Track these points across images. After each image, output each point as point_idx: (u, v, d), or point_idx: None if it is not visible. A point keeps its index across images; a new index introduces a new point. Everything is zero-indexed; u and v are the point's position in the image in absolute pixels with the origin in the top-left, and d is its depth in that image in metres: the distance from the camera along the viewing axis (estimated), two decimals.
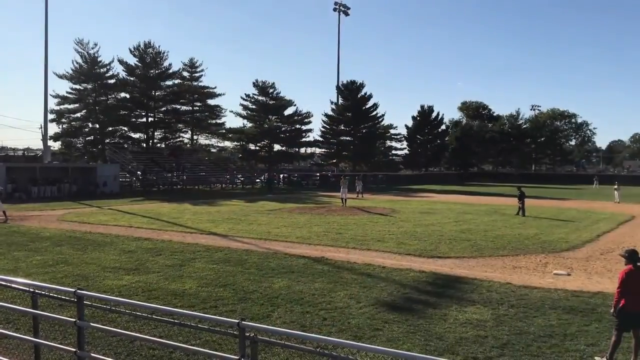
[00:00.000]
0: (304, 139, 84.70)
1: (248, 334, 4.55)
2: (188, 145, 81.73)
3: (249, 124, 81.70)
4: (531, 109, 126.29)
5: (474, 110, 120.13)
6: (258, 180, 71.26)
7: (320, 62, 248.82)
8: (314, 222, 27.22)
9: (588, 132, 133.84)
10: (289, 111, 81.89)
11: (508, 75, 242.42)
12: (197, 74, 79.34)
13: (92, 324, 6.34)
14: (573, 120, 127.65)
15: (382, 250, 18.84)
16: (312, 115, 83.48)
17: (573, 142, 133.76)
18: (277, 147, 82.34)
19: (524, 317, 10.79)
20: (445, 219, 29.02)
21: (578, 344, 9.25)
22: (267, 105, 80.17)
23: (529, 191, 60.72)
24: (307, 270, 15.16)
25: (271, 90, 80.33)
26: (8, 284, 7.27)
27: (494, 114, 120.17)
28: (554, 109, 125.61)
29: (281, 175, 76.76)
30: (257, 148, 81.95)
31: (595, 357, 8.64)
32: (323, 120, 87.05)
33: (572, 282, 14.07)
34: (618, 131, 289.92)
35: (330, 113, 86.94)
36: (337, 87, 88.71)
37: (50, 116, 66.94)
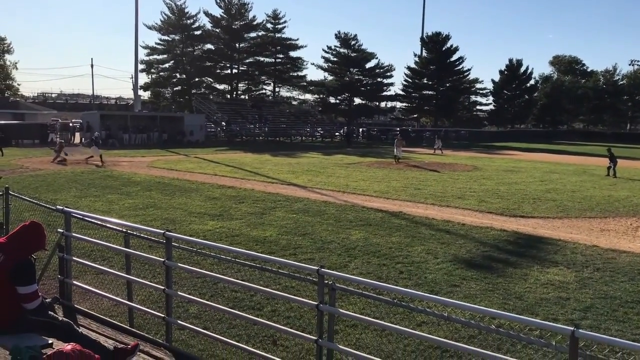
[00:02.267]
0: (384, 93, 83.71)
1: (327, 282, 4.64)
2: (270, 98, 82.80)
3: (330, 77, 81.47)
4: (630, 64, 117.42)
5: (566, 65, 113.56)
6: (337, 133, 71.37)
7: (404, 12, 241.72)
8: (392, 177, 27.07)
9: None
10: (370, 64, 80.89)
11: (605, 27, 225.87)
12: (280, 26, 79.48)
13: (179, 264, 6.70)
14: None
15: (462, 207, 18.53)
16: (394, 69, 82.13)
17: None
18: (357, 100, 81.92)
19: (610, 281, 10.36)
20: (530, 177, 28.03)
21: None
22: (349, 57, 79.44)
23: (621, 152, 57.25)
24: (384, 223, 15.19)
25: (353, 43, 79.39)
26: (103, 224, 7.76)
27: (588, 70, 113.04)
28: None
29: (360, 129, 76.46)
30: (337, 101, 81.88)
31: None
32: (405, 74, 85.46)
33: None
34: None
35: (413, 66, 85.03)
36: (422, 39, 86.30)
37: (141, 67, 69.72)
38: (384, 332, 7.47)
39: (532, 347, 6.24)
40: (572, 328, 3.35)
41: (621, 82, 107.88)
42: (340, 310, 5.31)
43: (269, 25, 79.08)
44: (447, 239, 13.52)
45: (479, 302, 8.92)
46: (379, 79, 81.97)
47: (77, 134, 50.29)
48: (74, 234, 7.05)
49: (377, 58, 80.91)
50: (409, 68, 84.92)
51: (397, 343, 7.23)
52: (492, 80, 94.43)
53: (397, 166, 33.39)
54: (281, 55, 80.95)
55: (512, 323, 7.08)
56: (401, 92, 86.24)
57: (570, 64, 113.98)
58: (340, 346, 5.33)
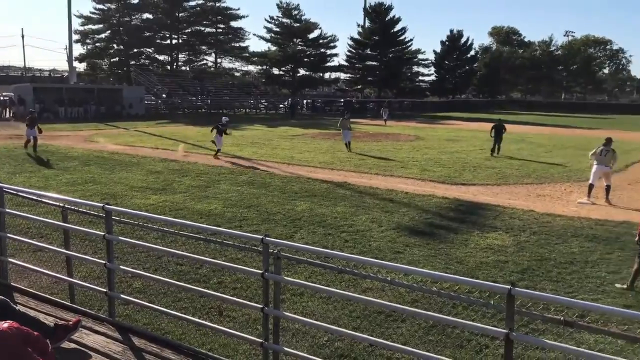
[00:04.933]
0: (328, 64, 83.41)
1: (272, 250, 4.63)
2: (212, 69, 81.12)
3: (273, 48, 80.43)
4: (565, 35, 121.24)
5: (505, 36, 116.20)
6: (281, 105, 70.86)
7: None
8: (337, 148, 27.20)
9: (623, 60, 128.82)
10: (313, 35, 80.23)
11: None
12: None
13: (120, 237, 6.53)
14: (608, 47, 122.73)
15: (405, 176, 18.85)
16: (337, 39, 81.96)
17: (607, 70, 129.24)
18: (301, 71, 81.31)
19: (545, 244, 10.83)
20: (470, 146, 28.77)
21: (599, 271, 9.30)
22: (292, 28, 78.51)
23: (558, 120, 59.33)
24: (329, 194, 15.30)
25: (295, 13, 78.41)
26: (39, 199, 7.47)
27: (526, 40, 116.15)
28: (588, 35, 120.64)
29: (305, 101, 76.15)
30: (281, 73, 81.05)
31: (616, 284, 8.69)
32: (349, 44, 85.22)
33: (596, 211, 13.99)
34: None
35: (357, 37, 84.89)
36: (364, 9, 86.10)
37: (75, 37, 66.71)
38: (330, 299, 7.57)
39: (472, 307, 6.46)
40: (508, 287, 3.48)
41: (557, 53, 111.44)
42: (286, 277, 5.33)
43: None
44: (390, 208, 13.75)
45: (422, 267, 9.15)
46: (322, 50, 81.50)
47: (8, 109, 47.89)
48: (7, 210, 6.76)
49: (320, 28, 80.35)
50: (352, 39, 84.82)
51: (342, 309, 7.34)
52: (434, 51, 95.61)
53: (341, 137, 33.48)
54: (222, 25, 79.21)
55: (454, 286, 7.33)
56: (345, 63, 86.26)
57: (508, 34, 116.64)
58: (287, 313, 5.37)
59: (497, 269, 9.26)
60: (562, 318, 3.80)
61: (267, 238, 4.47)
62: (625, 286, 8.55)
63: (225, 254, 9.07)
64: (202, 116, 54.43)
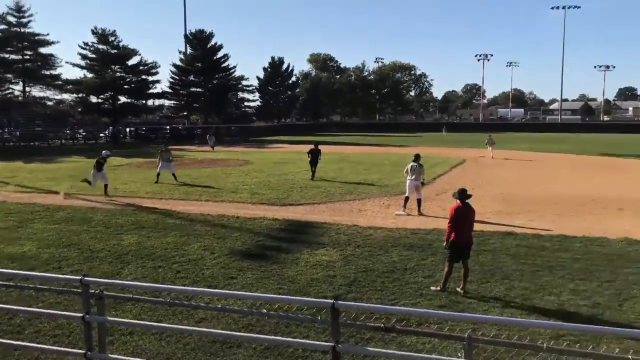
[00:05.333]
0: (151, 91, 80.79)
1: (94, 291, 4.38)
2: (20, 99, 74.21)
3: (90, 75, 75.96)
4: (375, 62, 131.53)
5: (322, 62, 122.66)
6: (102, 134, 67.00)
7: (165, 8, 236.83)
8: (165, 177, 26.39)
9: (426, 83, 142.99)
10: (133, 61, 77.29)
11: (354, 28, 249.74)
12: (25, 19, 71.56)
13: None
14: (413, 72, 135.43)
15: (235, 201, 18.90)
16: (159, 66, 79.65)
17: (413, 93, 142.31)
18: (122, 99, 77.73)
19: (369, 256, 11.55)
20: (297, 168, 29.67)
21: (416, 277, 10.13)
22: (109, 54, 74.77)
23: (374, 139, 63.60)
24: (158, 224, 14.80)
25: (112, 39, 74.94)
26: None
27: (341, 66, 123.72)
28: (395, 62, 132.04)
29: (127, 129, 72.87)
30: (100, 100, 76.67)
31: (431, 287, 9.53)
32: (171, 71, 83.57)
33: (411, 222, 15.26)
34: (452, 82, 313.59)
35: (179, 63, 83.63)
36: (185, 35, 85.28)
37: None
38: (163, 334, 7.29)
39: (304, 325, 6.66)
40: (331, 301, 3.67)
41: (369, 78, 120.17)
42: (110, 318, 5.06)
43: (11, 19, 70.69)
44: (222, 234, 13.68)
45: (255, 290, 9.25)
46: (143, 77, 78.81)
47: None
48: None
49: (140, 55, 77.68)
50: (174, 65, 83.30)
51: (177, 343, 7.11)
52: (258, 78, 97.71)
53: (179, 164, 32.60)
54: (30, 52, 73.05)
55: (286, 305, 7.50)
56: (168, 90, 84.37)
57: (325, 61, 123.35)
58: (115, 356, 5.09)
59: (326, 284, 9.66)
60: (382, 325, 4.10)
61: (86, 278, 4.23)
62: (439, 288, 9.41)
63: (43, 299, 8.32)
64: (11, 150, 49.43)
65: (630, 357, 3.82)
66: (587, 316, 8.22)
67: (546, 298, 9.02)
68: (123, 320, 5.42)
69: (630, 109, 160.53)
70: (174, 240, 13.01)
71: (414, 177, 16.72)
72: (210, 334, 6.07)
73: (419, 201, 16.75)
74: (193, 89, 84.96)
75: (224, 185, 22.73)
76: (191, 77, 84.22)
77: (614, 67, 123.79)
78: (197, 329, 5.40)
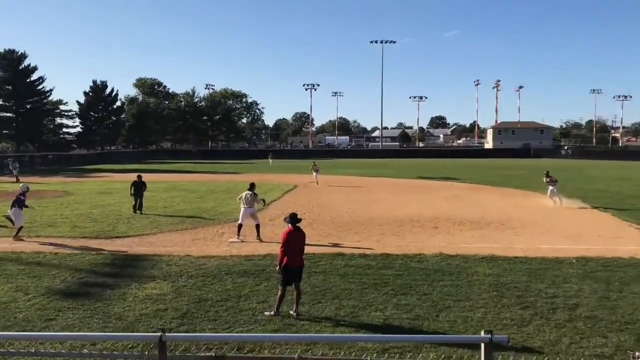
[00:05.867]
0: None
1: None
2: None
3: None
4: (206, 88, 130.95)
5: (150, 87, 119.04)
6: None
7: None
8: None
9: (257, 110, 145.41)
10: None
11: (183, 53, 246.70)
12: None
13: None
14: (244, 99, 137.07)
15: (54, 235, 17.39)
16: None
17: (245, 120, 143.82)
18: None
19: (202, 286, 11.28)
20: (123, 197, 28.11)
21: (251, 303, 10.11)
22: None
23: (206, 167, 62.93)
24: None
25: None
26: None
27: (170, 92, 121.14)
28: (226, 89, 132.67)
29: None
30: None
31: (265, 312, 9.57)
32: None
33: (245, 248, 15.26)
34: (282, 110, 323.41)
35: None
36: None
37: None
38: None
39: None
40: (159, 334, 3.50)
41: (200, 105, 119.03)
42: None
43: None
44: (38, 272, 12.48)
45: (77, 331, 8.52)
46: None
47: None
48: None
49: None
50: None
51: None
52: (78, 102, 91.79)
53: None
54: None
55: (114, 344, 7.01)
56: None
57: (153, 86, 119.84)
58: None
59: (157, 318, 9.23)
60: (213, 354, 4.01)
61: None
62: (272, 313, 9.48)
63: None
64: None
65: None
66: (409, 328, 8.83)
67: (373, 314, 9.51)
68: None
69: (441, 135, 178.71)
70: None
71: (247, 205, 16.81)
72: None
73: (257, 227, 16.85)
74: (2, 114, 77.26)
75: (40, 219, 20.80)
76: (0, 101, 76.56)
77: (426, 97, 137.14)
78: None
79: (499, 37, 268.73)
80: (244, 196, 16.98)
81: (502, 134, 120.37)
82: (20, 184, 19.95)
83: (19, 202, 17.58)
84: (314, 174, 38.09)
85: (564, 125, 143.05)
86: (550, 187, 25.26)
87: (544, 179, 25.91)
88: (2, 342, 7.03)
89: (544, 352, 7.78)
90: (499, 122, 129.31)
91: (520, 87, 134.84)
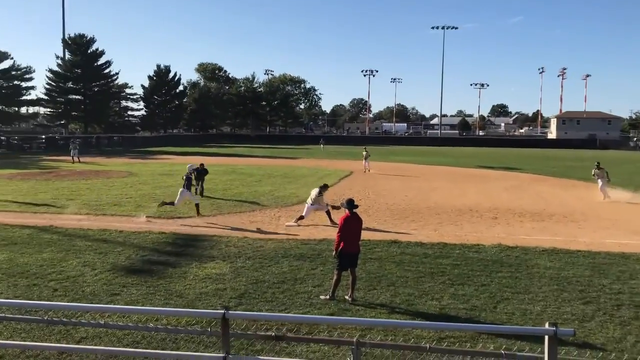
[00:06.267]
0: (24, 97, 75.67)
1: None
2: None
3: None
4: (265, 73, 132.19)
5: (211, 72, 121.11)
6: None
7: (42, 10, 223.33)
8: (40, 189, 24.76)
9: (315, 96, 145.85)
10: (4, 65, 72.09)
11: (243, 39, 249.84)
12: None
13: None
14: (302, 85, 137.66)
15: (119, 214, 18.10)
16: (34, 71, 75.02)
17: (302, 106, 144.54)
18: None
19: (259, 267, 11.51)
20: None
21: (306, 286, 10.24)
22: None
23: (264, 151, 63.76)
24: (32, 240, 13.82)
25: None
26: None
27: (230, 77, 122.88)
28: (285, 74, 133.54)
29: None
30: None
31: (321, 296, 9.68)
32: (48, 77, 78.69)
33: (301, 232, 15.42)
34: (340, 96, 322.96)
35: (56, 69, 78.95)
36: (63, 40, 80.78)
37: None
38: (39, 355, 6.78)
39: (193, 339, 6.48)
40: (222, 311, 3.62)
41: (259, 90, 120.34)
42: None
43: None
44: (104, 249, 13.04)
45: (141, 306, 8.86)
46: (16, 82, 73.66)
47: None
48: None
49: (12, 58, 72.69)
50: (51, 71, 78.52)
51: None
52: (142, 86, 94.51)
53: (45, 177, 30.61)
54: None
55: (175, 319, 7.27)
56: (44, 97, 79.28)
57: (214, 71, 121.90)
58: None
59: (216, 297, 9.49)
60: (272, 334, 4.10)
61: None
62: (328, 297, 9.58)
63: None
64: None
65: (502, 352, 4.11)
66: (465, 318, 8.73)
67: (429, 303, 9.46)
68: None
69: (503, 124, 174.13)
70: (50, 256, 12.21)
71: (315, 204, 16.87)
72: (92, 351, 5.73)
73: (327, 213, 16.98)
74: (72, 96, 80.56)
75: (106, 198, 21.69)
76: (70, 84, 79.83)
77: (488, 85, 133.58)
78: (78, 346, 5.09)
79: (565, 23, 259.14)
80: (312, 193, 17.08)
81: (567, 123, 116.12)
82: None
83: (188, 182, 18.12)
84: (364, 161, 37.10)
85: (634, 116, 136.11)
86: (600, 181, 23.96)
87: (593, 171, 24.62)
88: (73, 313, 7.42)
89: (607, 349, 7.55)
90: (563, 111, 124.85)
91: (588, 75, 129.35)
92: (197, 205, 18.23)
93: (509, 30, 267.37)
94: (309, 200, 17.04)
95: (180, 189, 18.17)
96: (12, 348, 6.39)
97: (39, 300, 9.14)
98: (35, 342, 6.68)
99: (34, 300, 8.97)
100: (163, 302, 9.20)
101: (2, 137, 67.94)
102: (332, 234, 14.31)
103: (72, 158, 43.45)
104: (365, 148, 40.31)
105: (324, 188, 17.34)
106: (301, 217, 16.89)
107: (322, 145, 72.21)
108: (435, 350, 4.56)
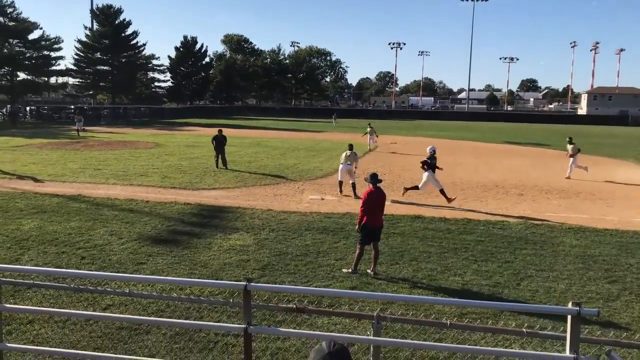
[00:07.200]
0: (53, 68, 76.53)
1: None
2: None
3: None
4: (291, 45, 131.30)
5: (237, 44, 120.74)
6: None
7: None
8: (69, 158, 25.19)
9: (341, 69, 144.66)
10: (34, 35, 72.83)
11: (269, 10, 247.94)
12: None
13: None
14: (328, 58, 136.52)
15: (145, 184, 18.34)
16: (62, 41, 75.85)
17: (328, 79, 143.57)
18: (21, 75, 73.12)
19: (283, 240, 11.58)
20: (210, 151, 29.02)
21: (329, 259, 10.29)
22: (6, 27, 70.02)
23: (289, 124, 63.67)
24: (61, 209, 14.09)
25: (10, 10, 70.18)
26: None
27: (257, 48, 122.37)
28: (311, 47, 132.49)
29: (28, 108, 68.67)
30: None
31: (343, 270, 9.71)
32: (76, 47, 79.46)
33: (325, 206, 15.45)
34: (366, 69, 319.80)
35: (84, 39, 79.57)
36: (91, 10, 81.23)
37: None
38: (67, 321, 6.98)
39: (216, 309, 6.58)
40: (244, 282, 3.65)
41: (285, 62, 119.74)
42: (8, 305, 4.78)
43: None
44: (131, 218, 13.25)
45: (166, 276, 9.02)
46: (45, 52, 74.48)
47: None
48: None
49: (41, 29, 73.56)
50: (79, 41, 79.25)
51: (81, 331, 6.83)
52: (169, 57, 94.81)
53: (74, 146, 31.10)
54: None
55: (198, 289, 7.38)
56: (73, 67, 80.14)
57: (240, 42, 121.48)
58: (12, 344, 4.81)
59: (240, 268, 9.60)
60: (294, 306, 4.13)
61: None
62: (350, 270, 9.61)
63: None
64: None
65: (524, 330, 4.08)
66: (488, 295, 8.69)
67: (451, 279, 9.43)
68: (22, 307, 5.12)
69: (532, 99, 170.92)
70: (78, 225, 12.46)
71: (347, 162, 17.56)
72: (118, 319, 5.87)
73: (353, 185, 17.35)
74: (100, 67, 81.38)
75: (133, 168, 21.99)
76: (98, 55, 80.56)
77: (517, 59, 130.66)
78: (104, 314, 5.21)
79: None
80: (344, 155, 17.80)
81: (598, 99, 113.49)
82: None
83: (430, 165, 16.85)
84: (368, 137, 35.10)
85: None
86: (570, 158, 23.19)
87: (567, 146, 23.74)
88: (99, 281, 7.58)
89: (631, 329, 7.46)
90: (594, 87, 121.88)
91: (622, 49, 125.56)
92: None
93: (541, 2, 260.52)
94: (341, 162, 17.73)
95: (426, 174, 16.73)
96: (41, 314, 6.57)
97: (67, 268, 9.36)
98: (63, 308, 6.85)
99: (62, 269, 9.19)
100: (188, 272, 9.34)
101: (32, 107, 69.07)
102: (355, 208, 14.28)
103: (77, 130, 42.72)
104: (369, 123, 38.26)
105: (351, 147, 18.18)
106: (340, 183, 17.68)
107: (334, 120, 70.96)
108: (456, 327, 4.55)
